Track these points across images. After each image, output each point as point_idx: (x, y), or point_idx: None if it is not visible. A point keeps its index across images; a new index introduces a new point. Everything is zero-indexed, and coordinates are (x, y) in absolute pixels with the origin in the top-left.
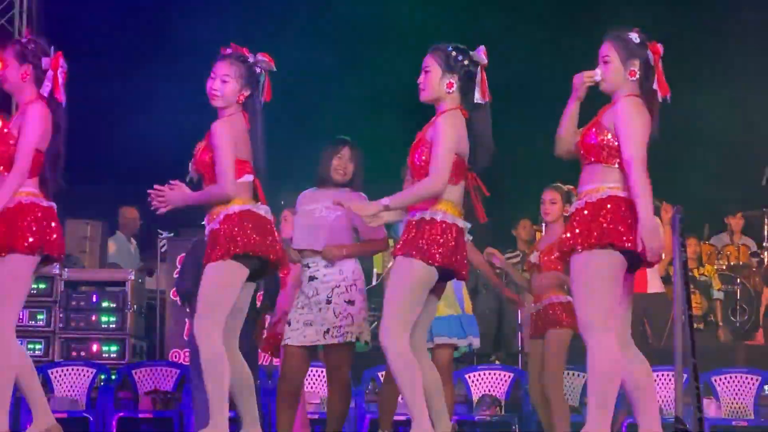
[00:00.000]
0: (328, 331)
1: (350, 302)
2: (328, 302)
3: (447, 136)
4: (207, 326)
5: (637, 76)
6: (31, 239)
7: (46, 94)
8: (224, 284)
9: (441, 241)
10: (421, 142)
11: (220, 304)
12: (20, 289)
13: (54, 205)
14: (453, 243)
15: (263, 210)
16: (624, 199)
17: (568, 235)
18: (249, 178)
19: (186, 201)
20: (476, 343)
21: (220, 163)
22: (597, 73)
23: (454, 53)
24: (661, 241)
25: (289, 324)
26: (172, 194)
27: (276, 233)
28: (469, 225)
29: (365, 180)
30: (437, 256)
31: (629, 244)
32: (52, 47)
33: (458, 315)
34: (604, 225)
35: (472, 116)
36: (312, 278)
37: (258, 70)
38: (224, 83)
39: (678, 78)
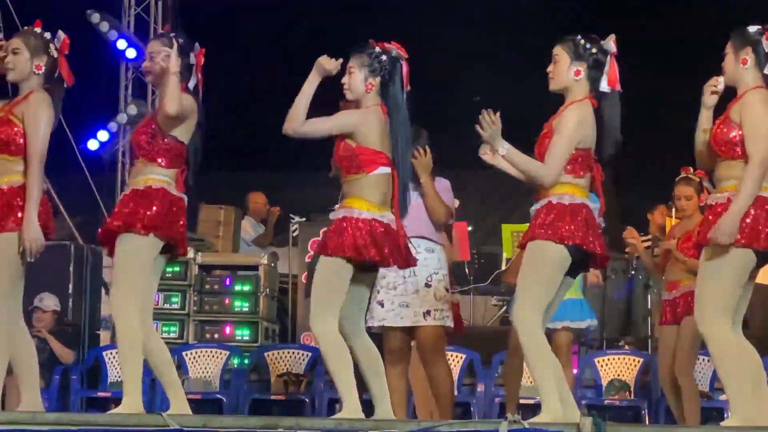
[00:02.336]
0: (428, 312)
1: (446, 289)
2: (427, 285)
3: (569, 128)
4: (321, 317)
5: (749, 64)
6: (154, 224)
7: (192, 88)
8: (335, 280)
9: (570, 220)
10: (548, 133)
11: (333, 298)
12: (140, 269)
13: (185, 197)
14: (583, 222)
15: (387, 219)
16: (765, 198)
17: (706, 228)
18: (384, 170)
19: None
20: (594, 324)
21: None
22: (720, 81)
23: (582, 42)
24: (728, 236)
25: (382, 305)
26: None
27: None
28: (597, 206)
29: None
30: (568, 235)
31: None
32: (196, 43)
33: (579, 299)
34: (745, 225)
35: (601, 105)
36: None
37: (384, 58)
38: (350, 75)
39: None
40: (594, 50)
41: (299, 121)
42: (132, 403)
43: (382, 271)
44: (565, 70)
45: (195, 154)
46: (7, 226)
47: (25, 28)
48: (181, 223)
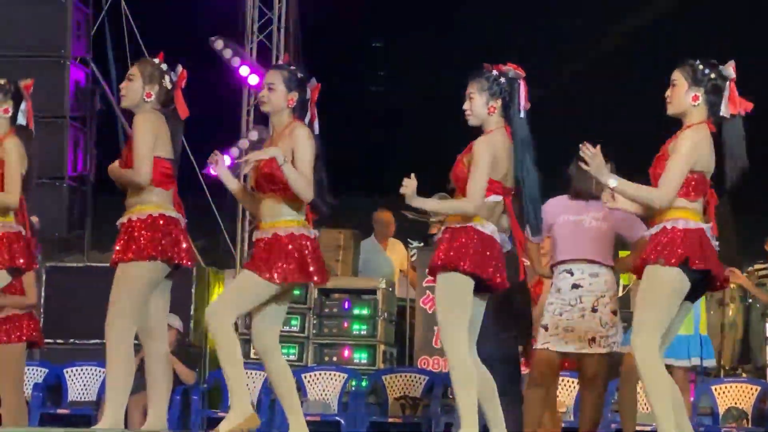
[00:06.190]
0: (594, 339)
1: (614, 312)
2: (594, 311)
3: (684, 150)
4: (453, 337)
5: None
6: (291, 266)
7: (307, 123)
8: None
9: (684, 244)
10: (663, 155)
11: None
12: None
13: (317, 233)
14: (699, 245)
15: (500, 238)
16: None
17: None
18: (496, 198)
19: (422, 204)
20: (707, 363)
21: (472, 182)
22: None
23: (701, 67)
24: None
25: (546, 329)
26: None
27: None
28: (709, 224)
29: None
30: (683, 258)
31: None
32: (314, 78)
33: (688, 335)
34: None
35: (722, 130)
36: (576, 286)
37: (502, 80)
38: (470, 101)
39: None
40: (712, 75)
41: (465, 206)
42: (241, 412)
43: (548, 297)
44: (683, 95)
45: (320, 186)
46: (128, 256)
47: (145, 57)
48: (318, 261)
